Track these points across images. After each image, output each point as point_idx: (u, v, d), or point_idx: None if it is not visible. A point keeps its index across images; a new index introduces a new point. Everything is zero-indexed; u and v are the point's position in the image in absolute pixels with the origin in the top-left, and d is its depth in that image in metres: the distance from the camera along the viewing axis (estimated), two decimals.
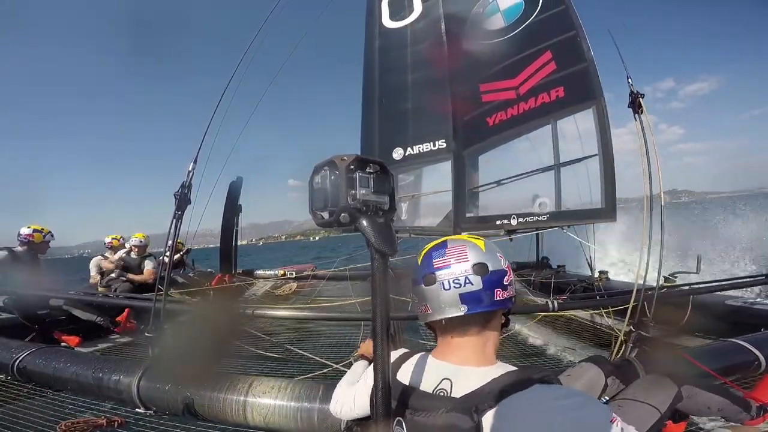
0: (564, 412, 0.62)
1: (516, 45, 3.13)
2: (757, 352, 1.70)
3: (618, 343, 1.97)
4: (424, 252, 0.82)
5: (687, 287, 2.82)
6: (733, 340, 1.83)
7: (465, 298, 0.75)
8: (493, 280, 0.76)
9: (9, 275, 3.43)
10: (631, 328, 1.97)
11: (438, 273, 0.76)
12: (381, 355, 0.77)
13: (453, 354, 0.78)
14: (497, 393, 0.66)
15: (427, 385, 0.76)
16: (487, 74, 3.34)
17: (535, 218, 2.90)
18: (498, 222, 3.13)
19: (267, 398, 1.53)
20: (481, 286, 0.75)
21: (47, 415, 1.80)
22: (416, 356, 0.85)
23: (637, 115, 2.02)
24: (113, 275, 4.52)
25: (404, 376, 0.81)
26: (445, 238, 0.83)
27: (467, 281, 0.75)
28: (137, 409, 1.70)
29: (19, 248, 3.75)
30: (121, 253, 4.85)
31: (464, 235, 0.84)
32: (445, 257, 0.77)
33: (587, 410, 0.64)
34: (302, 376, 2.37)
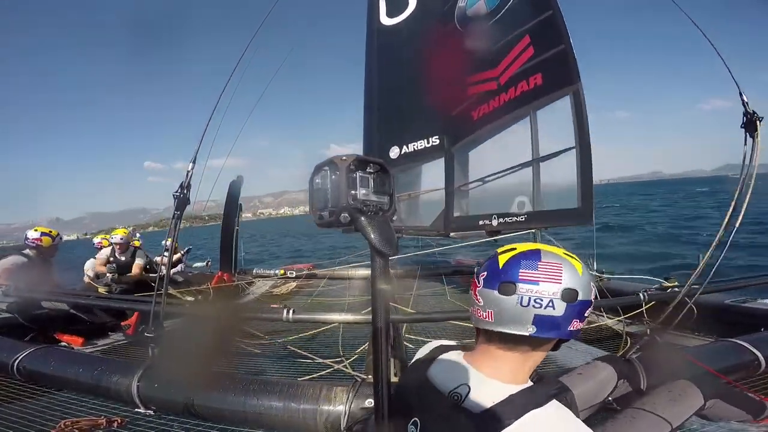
0: None
1: (497, 32, 3.00)
2: (757, 352, 1.70)
3: (627, 344, 1.94)
4: (509, 255, 0.73)
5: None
6: (733, 340, 1.83)
7: (539, 320, 0.68)
8: (577, 310, 0.69)
9: (25, 280, 3.41)
10: (647, 330, 1.94)
11: (520, 285, 0.69)
12: (381, 356, 0.77)
13: (488, 364, 0.73)
14: (513, 411, 0.64)
15: (447, 385, 0.73)
16: (472, 65, 3.22)
17: (514, 219, 2.75)
18: (480, 222, 2.99)
19: (267, 398, 1.53)
20: (562, 313, 0.68)
21: (47, 415, 1.79)
22: (449, 353, 0.81)
23: (751, 138, 1.81)
24: (108, 277, 4.48)
25: (433, 372, 0.78)
26: (538, 247, 0.74)
27: (550, 304, 0.68)
28: (137, 409, 1.70)
29: (29, 252, 3.72)
30: (106, 252, 4.74)
31: (561, 251, 0.75)
32: (536, 271, 0.69)
33: None
34: (303, 376, 2.37)
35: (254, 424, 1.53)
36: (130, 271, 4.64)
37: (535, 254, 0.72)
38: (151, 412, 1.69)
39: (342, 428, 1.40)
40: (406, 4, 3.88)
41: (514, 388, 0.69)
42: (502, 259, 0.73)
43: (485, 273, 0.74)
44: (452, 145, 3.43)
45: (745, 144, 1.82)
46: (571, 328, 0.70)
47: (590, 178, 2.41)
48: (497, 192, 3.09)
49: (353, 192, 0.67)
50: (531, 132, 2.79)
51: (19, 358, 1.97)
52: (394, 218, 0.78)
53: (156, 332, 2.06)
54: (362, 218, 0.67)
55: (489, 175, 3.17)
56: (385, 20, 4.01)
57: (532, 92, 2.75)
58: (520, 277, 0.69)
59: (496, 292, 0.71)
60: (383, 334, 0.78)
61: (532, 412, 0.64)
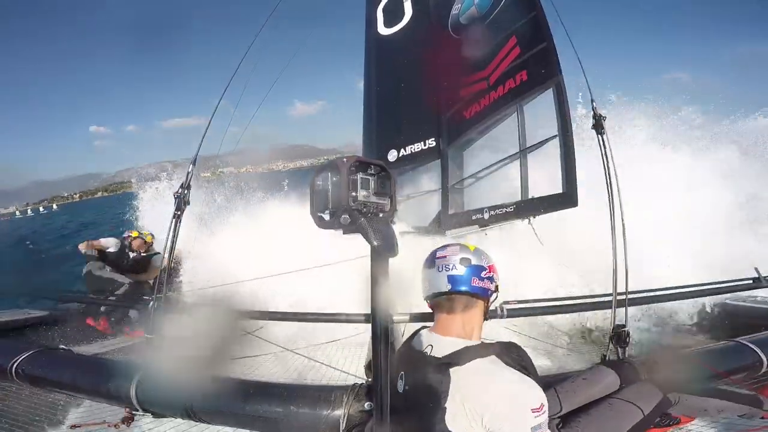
0: (501, 383, 0.89)
1: (488, 34, 3.15)
2: (760, 353, 1.69)
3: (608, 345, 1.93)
4: (435, 249, 1.14)
5: (662, 292, 2.71)
6: (736, 340, 1.82)
7: (450, 278, 1.05)
8: (472, 270, 1.06)
9: None
10: (614, 331, 1.92)
11: (437, 261, 1.09)
12: (381, 356, 0.77)
13: (441, 328, 1.06)
14: (464, 357, 0.93)
15: (421, 347, 1.05)
16: (464, 68, 3.34)
17: (504, 210, 2.84)
18: (474, 217, 3.09)
19: (266, 401, 1.52)
20: (463, 273, 1.05)
21: (48, 417, 1.79)
22: (423, 328, 1.14)
23: (599, 136, 2.11)
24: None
25: (413, 341, 1.11)
26: (451, 242, 1.18)
27: (453, 267, 1.06)
28: (136, 412, 1.68)
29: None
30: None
31: (464, 242, 1.16)
32: (444, 251, 1.10)
33: (520, 390, 0.88)
34: (302, 378, 2.36)
35: (252, 427, 1.52)
36: (144, 270, 4.61)
37: (447, 245, 1.14)
38: (150, 415, 1.68)
39: (341, 430, 1.39)
40: (402, 14, 3.98)
41: (466, 342, 0.98)
42: (431, 251, 1.14)
43: (425, 260, 1.14)
44: (447, 145, 3.51)
45: (599, 140, 2.09)
46: (474, 284, 1.05)
47: (573, 164, 2.50)
48: (489, 186, 3.20)
49: (354, 194, 0.67)
50: (518, 125, 2.90)
51: (18, 361, 1.95)
52: (395, 220, 0.79)
53: (154, 333, 2.04)
54: (362, 220, 0.67)
55: (480, 170, 3.25)
56: (383, 30, 4.10)
57: (519, 88, 2.88)
58: (437, 257, 1.10)
59: (427, 268, 1.12)
60: (383, 335, 0.77)
61: (476, 359, 0.92)
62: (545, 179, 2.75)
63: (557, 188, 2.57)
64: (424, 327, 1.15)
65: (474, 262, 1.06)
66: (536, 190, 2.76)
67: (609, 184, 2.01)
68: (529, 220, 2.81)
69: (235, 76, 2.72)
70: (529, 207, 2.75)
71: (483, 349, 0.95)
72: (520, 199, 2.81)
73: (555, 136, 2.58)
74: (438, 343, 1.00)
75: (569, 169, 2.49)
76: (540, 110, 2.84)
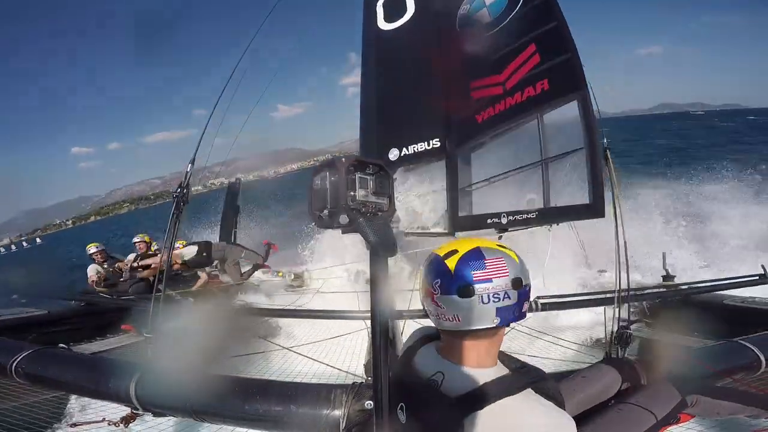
0: (529, 427, 0.70)
1: (502, 39, 3.10)
2: (758, 353, 1.69)
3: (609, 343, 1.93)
4: (455, 259, 0.78)
5: (665, 289, 2.74)
6: (735, 340, 1.82)
7: (501, 311, 0.75)
8: (525, 293, 0.78)
9: None
10: (615, 329, 1.93)
11: (477, 286, 0.74)
12: (380, 356, 0.77)
13: (456, 354, 0.80)
14: (485, 396, 0.71)
15: (427, 373, 0.81)
16: (476, 70, 3.30)
17: (525, 216, 2.84)
18: (489, 221, 3.07)
19: (266, 400, 1.52)
20: (516, 300, 0.76)
21: (47, 416, 1.79)
22: (428, 345, 0.89)
23: (605, 166, 2.34)
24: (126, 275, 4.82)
25: (417, 360, 0.87)
26: (476, 244, 0.79)
27: (506, 296, 0.75)
28: (136, 411, 1.69)
29: None
30: (133, 255, 5.14)
31: (495, 244, 0.81)
32: (485, 270, 0.75)
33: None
34: (302, 377, 2.37)
35: (252, 425, 1.53)
36: (149, 267, 4.95)
37: (478, 254, 0.77)
38: (150, 414, 1.68)
39: (341, 430, 1.40)
40: (404, 10, 3.92)
41: (484, 372, 0.77)
42: (451, 264, 0.77)
43: (438, 280, 0.78)
44: (456, 146, 3.48)
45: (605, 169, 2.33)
46: (524, 310, 0.79)
47: (600, 176, 2.50)
48: (506, 191, 3.16)
49: (352, 193, 0.67)
50: (539, 133, 2.87)
51: (18, 359, 1.95)
52: (394, 219, 0.78)
53: (154, 333, 2.04)
54: (361, 219, 0.67)
55: (498, 175, 3.23)
56: (383, 25, 4.05)
57: (539, 97, 2.84)
58: (474, 279, 0.75)
59: (456, 297, 0.75)
60: (383, 334, 0.77)
61: (502, 400, 0.71)
62: (568, 187, 2.78)
63: (580, 197, 2.60)
64: (429, 338, 0.91)
65: (525, 280, 0.78)
66: (558, 199, 2.78)
67: (615, 207, 2.18)
68: (550, 227, 2.83)
69: (220, 85, 2.75)
70: (552, 214, 2.75)
71: (508, 384, 0.75)
72: (541, 206, 2.81)
73: (581, 149, 2.58)
74: (451, 374, 0.78)
75: (596, 181, 2.50)
76: (562, 119, 2.83)
